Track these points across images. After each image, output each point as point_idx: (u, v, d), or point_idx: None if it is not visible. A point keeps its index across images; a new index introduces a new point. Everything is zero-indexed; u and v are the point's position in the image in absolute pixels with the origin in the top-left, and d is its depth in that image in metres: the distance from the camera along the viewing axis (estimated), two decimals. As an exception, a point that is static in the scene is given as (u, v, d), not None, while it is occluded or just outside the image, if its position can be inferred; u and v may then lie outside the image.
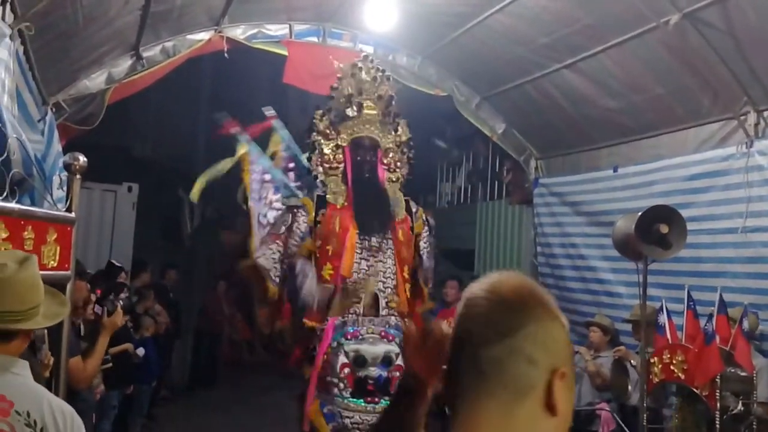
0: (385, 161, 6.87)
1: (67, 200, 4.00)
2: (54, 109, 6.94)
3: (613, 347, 7.01)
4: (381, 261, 6.52)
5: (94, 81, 7.45)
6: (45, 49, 5.88)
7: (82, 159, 4.05)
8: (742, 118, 6.56)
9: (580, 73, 7.65)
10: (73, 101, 7.32)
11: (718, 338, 5.33)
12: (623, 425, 6.26)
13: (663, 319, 5.94)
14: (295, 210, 6.66)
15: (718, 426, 5.28)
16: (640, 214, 5.69)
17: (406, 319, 6.49)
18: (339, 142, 6.82)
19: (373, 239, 6.51)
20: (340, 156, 6.79)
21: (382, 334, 6.31)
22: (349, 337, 6.27)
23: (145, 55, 7.66)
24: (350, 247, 6.46)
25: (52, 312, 2.85)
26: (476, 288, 1.43)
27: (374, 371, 6.16)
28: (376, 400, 6.15)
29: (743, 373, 5.38)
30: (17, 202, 3.51)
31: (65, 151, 5.50)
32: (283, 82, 8.69)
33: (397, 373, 6.21)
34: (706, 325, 5.44)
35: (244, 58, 8.79)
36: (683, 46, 6.40)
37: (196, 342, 13.56)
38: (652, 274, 5.96)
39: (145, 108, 12.45)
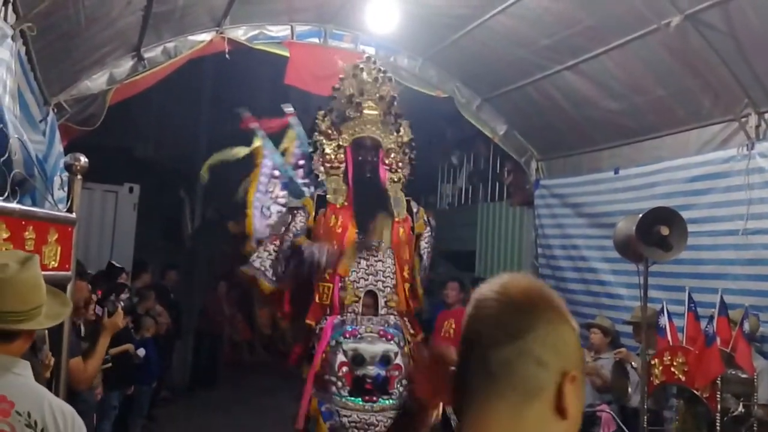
0: (386, 161, 6.90)
1: (68, 201, 4.00)
2: (55, 110, 6.95)
3: (614, 349, 7.01)
4: (380, 260, 6.54)
5: (96, 82, 7.46)
6: (47, 49, 5.88)
7: (84, 159, 4.05)
8: (743, 120, 6.56)
9: (581, 75, 7.65)
10: (75, 102, 7.32)
11: (718, 340, 5.33)
12: (624, 427, 6.26)
13: (664, 320, 5.93)
14: (295, 211, 6.70)
15: (718, 428, 5.27)
16: (641, 215, 5.68)
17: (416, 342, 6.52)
18: (341, 142, 6.86)
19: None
20: (342, 156, 6.83)
21: (381, 332, 6.33)
22: (347, 335, 6.29)
23: (146, 55, 7.67)
24: (349, 246, 6.49)
25: (54, 312, 2.85)
26: (486, 289, 1.42)
27: (372, 370, 6.17)
28: (374, 398, 6.17)
29: (744, 375, 5.38)
30: (18, 203, 3.52)
31: (66, 151, 5.50)
32: (284, 83, 8.69)
33: (396, 372, 6.24)
34: (706, 327, 5.44)
35: (245, 59, 8.79)
36: (684, 47, 6.40)
37: (197, 343, 13.56)
38: (653, 275, 5.96)
39: (147, 109, 12.45)
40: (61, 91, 7.12)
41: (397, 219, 6.69)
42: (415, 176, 7.22)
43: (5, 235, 3.29)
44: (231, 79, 12.69)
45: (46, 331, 3.89)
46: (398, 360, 6.29)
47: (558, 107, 8.36)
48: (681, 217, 5.73)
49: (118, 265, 9.23)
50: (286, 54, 8.46)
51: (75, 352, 4.88)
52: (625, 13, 6.49)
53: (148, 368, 8.68)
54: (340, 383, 6.20)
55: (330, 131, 6.92)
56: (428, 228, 7.14)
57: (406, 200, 6.95)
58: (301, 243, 6.55)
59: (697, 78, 6.64)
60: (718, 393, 5.27)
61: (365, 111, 6.86)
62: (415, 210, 7.01)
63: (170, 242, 14.61)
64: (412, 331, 6.65)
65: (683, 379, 5.56)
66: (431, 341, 8.77)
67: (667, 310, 5.97)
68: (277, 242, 6.69)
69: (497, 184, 11.25)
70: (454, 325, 8.79)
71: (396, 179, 6.93)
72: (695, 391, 5.45)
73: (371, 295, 6.48)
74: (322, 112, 7.01)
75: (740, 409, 5.33)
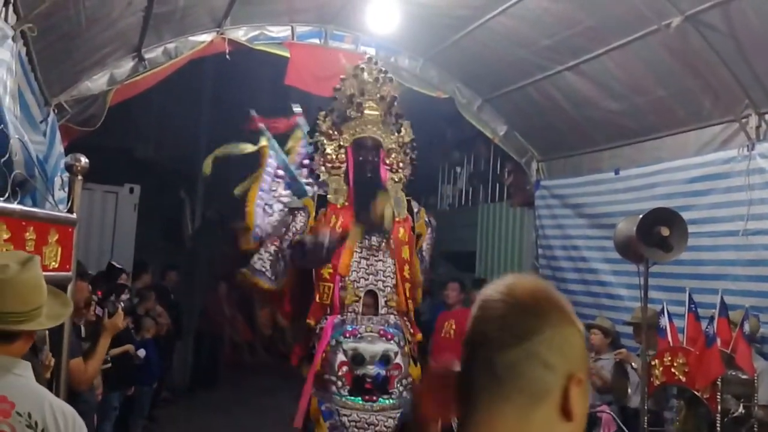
0: (387, 162, 6.90)
1: (68, 201, 4.00)
2: (56, 110, 6.95)
3: (614, 350, 7.01)
4: (381, 260, 6.56)
5: (96, 82, 7.46)
6: (47, 50, 5.89)
7: (84, 160, 4.06)
8: (744, 120, 6.56)
9: (581, 75, 7.65)
10: (75, 102, 7.32)
11: (719, 341, 5.33)
12: (624, 428, 6.26)
13: (664, 321, 5.93)
14: (296, 211, 6.72)
15: (719, 429, 5.28)
16: (641, 216, 5.68)
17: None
18: (342, 143, 6.88)
19: (373, 239, 6.55)
20: (343, 156, 6.86)
21: (381, 332, 6.35)
22: (347, 335, 6.30)
23: (147, 56, 7.67)
24: (349, 246, 6.50)
25: (55, 313, 2.85)
26: (492, 290, 1.41)
27: (372, 370, 6.19)
28: (374, 398, 6.19)
29: (744, 376, 5.38)
30: (19, 203, 3.52)
31: (67, 152, 5.50)
32: (284, 84, 8.70)
33: (396, 372, 6.25)
34: (707, 328, 5.44)
35: (246, 60, 8.80)
36: (685, 48, 6.40)
37: (197, 343, 13.56)
38: (653, 276, 5.96)
39: (147, 109, 12.45)
40: (62, 92, 7.12)
41: (397, 219, 6.70)
42: (415, 177, 7.23)
43: (6, 236, 3.29)
44: (231, 80, 12.69)
45: (47, 332, 3.89)
46: (398, 359, 6.30)
47: (558, 108, 8.36)
48: (681, 217, 5.74)
49: (118, 265, 9.23)
50: (287, 54, 8.46)
51: (75, 353, 4.88)
52: (626, 14, 6.49)
53: (148, 369, 8.68)
54: (340, 383, 6.21)
55: (331, 131, 6.94)
56: (429, 228, 7.16)
57: (407, 200, 6.96)
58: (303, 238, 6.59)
59: (698, 78, 6.64)
60: (719, 394, 5.27)
61: (366, 111, 6.87)
62: (416, 210, 7.03)
63: (171, 243, 14.61)
64: (412, 331, 6.66)
65: (683, 379, 5.56)
66: (431, 342, 8.80)
67: (668, 311, 5.97)
68: (278, 243, 6.71)
69: (498, 184, 11.25)
70: (454, 326, 8.79)
71: (397, 179, 6.95)
72: (695, 392, 5.46)
73: (371, 294, 6.50)
74: (323, 113, 7.04)
75: (740, 410, 5.33)
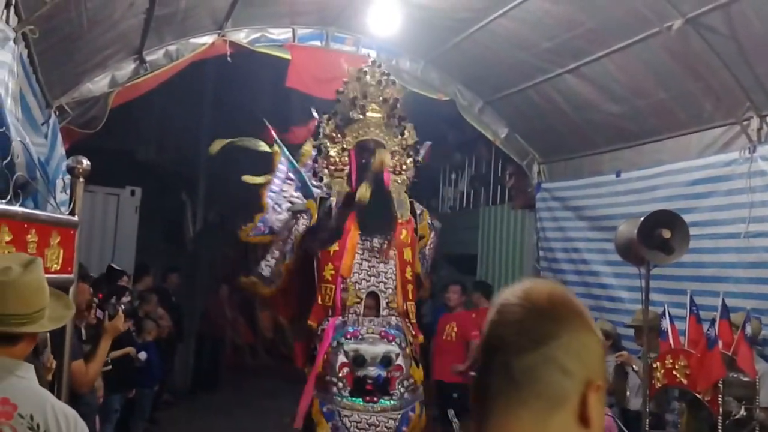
0: (390, 164, 6.91)
1: (70, 203, 4.00)
2: (57, 113, 6.96)
3: (615, 352, 7.00)
4: (383, 262, 6.57)
5: (98, 84, 7.47)
6: (49, 52, 5.89)
7: (86, 162, 4.06)
8: (745, 123, 6.56)
9: (582, 78, 7.65)
10: (77, 104, 7.33)
11: (720, 343, 5.32)
12: (625, 430, 6.25)
13: (665, 324, 5.93)
14: (299, 214, 6.76)
15: (720, 431, 5.27)
16: (642, 218, 5.68)
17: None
18: (345, 145, 6.89)
19: (375, 240, 6.57)
20: (346, 158, 6.87)
21: (382, 334, 6.36)
22: (349, 336, 6.32)
23: (148, 58, 7.68)
24: (351, 248, 6.52)
25: (58, 315, 2.85)
26: (509, 294, 1.40)
27: (373, 371, 6.20)
28: (375, 399, 6.21)
29: (746, 379, 5.37)
30: (21, 206, 3.51)
31: (69, 154, 5.51)
32: (285, 86, 8.70)
33: (397, 373, 6.27)
34: (708, 330, 5.43)
35: (247, 62, 8.81)
36: (686, 51, 6.40)
37: (199, 346, 13.54)
38: (655, 279, 5.96)
39: (149, 111, 12.45)
40: (63, 94, 7.13)
41: (400, 221, 6.71)
42: (418, 178, 7.24)
43: (8, 238, 3.29)
44: (233, 82, 12.69)
45: (48, 334, 3.89)
46: (399, 361, 6.31)
47: (559, 110, 8.37)
48: (683, 220, 5.73)
49: (118, 268, 9.22)
50: (288, 57, 8.47)
51: (77, 355, 4.88)
52: (627, 16, 6.50)
53: (149, 371, 8.67)
54: (341, 384, 6.22)
55: (334, 134, 6.95)
56: (432, 231, 7.18)
57: (410, 202, 6.97)
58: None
59: (699, 81, 6.64)
60: (720, 396, 5.26)
61: (369, 114, 6.88)
62: (418, 212, 7.04)
63: (172, 245, 14.60)
64: (413, 333, 6.66)
65: (685, 382, 5.55)
66: (433, 345, 8.80)
67: (669, 314, 5.96)
68: (282, 246, 6.76)
69: (499, 187, 11.24)
70: (456, 329, 8.80)
71: (400, 181, 6.95)
72: (697, 395, 5.45)
73: (373, 296, 6.51)
74: (326, 116, 7.05)
75: (742, 412, 5.32)
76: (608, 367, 6.91)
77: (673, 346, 5.79)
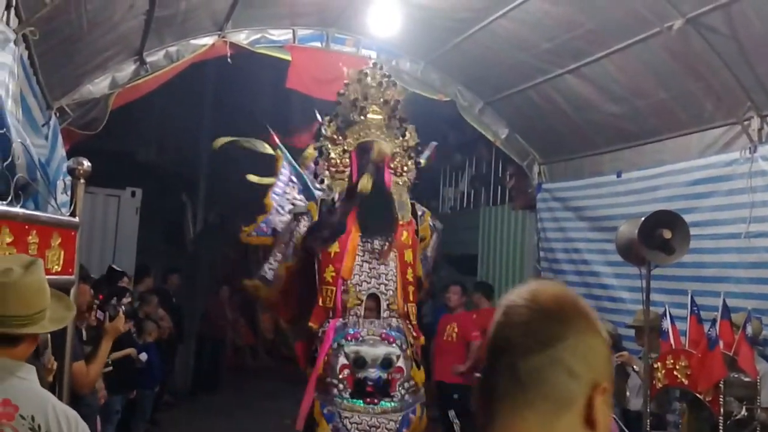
0: (391, 165, 6.90)
1: (71, 205, 4.00)
2: (58, 114, 6.96)
3: (616, 352, 6.99)
4: (383, 264, 6.56)
5: (98, 86, 7.47)
6: (49, 53, 5.90)
7: (86, 164, 4.05)
8: (746, 123, 6.56)
9: (583, 78, 7.65)
10: (77, 106, 7.33)
11: (721, 343, 5.31)
12: (626, 430, 6.25)
13: (666, 324, 5.92)
14: (300, 216, 6.77)
15: (721, 431, 5.27)
16: (643, 219, 5.68)
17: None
18: (345, 147, 6.88)
19: (376, 242, 6.57)
20: (347, 160, 6.86)
21: (383, 335, 6.36)
22: (349, 338, 6.32)
23: (148, 59, 7.69)
24: (351, 250, 6.52)
25: (59, 316, 2.85)
26: (515, 296, 1.39)
27: (373, 373, 6.21)
28: (376, 401, 6.21)
29: (747, 379, 5.37)
30: (21, 207, 3.51)
31: (69, 155, 5.51)
32: (286, 87, 8.70)
33: (398, 375, 6.26)
34: (709, 331, 5.43)
35: (247, 63, 8.81)
36: (686, 51, 6.40)
37: (199, 347, 13.53)
38: (655, 279, 5.96)
39: (149, 113, 12.43)
40: (64, 96, 7.14)
41: (401, 222, 6.70)
42: (419, 180, 7.24)
43: (9, 240, 3.29)
44: (233, 83, 12.69)
45: (49, 335, 3.89)
46: (400, 363, 6.31)
47: (560, 111, 8.37)
48: (683, 220, 5.73)
49: (118, 269, 9.22)
50: (288, 58, 8.47)
51: (78, 356, 4.88)
52: (627, 17, 6.50)
53: (150, 372, 8.67)
54: (341, 386, 6.22)
55: (335, 136, 6.95)
56: (434, 233, 7.17)
57: (411, 204, 6.97)
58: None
59: (699, 81, 6.64)
60: (721, 396, 5.26)
61: (369, 115, 6.88)
62: (420, 213, 7.04)
63: (172, 246, 14.60)
64: (414, 334, 6.66)
65: (686, 382, 5.55)
66: (433, 345, 8.79)
67: (670, 314, 5.96)
68: (283, 249, 6.78)
69: (499, 187, 11.24)
70: (456, 329, 8.79)
71: (401, 183, 6.95)
72: (698, 395, 5.44)
73: (374, 298, 6.51)
74: (327, 118, 7.05)
75: (743, 412, 5.31)
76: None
77: (674, 347, 5.79)
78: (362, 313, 6.45)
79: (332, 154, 6.91)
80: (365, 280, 6.50)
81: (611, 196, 8.19)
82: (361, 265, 6.52)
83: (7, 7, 4.65)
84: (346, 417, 6.17)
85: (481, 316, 9.13)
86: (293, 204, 7.08)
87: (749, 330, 5.56)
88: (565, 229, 9.06)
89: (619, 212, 7.76)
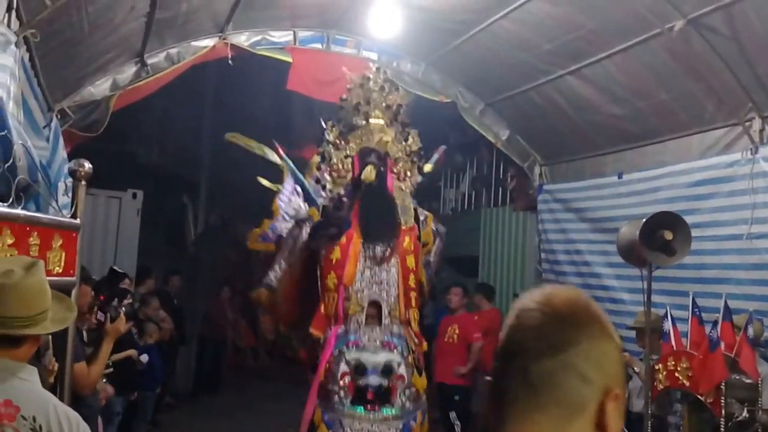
0: (394, 170, 6.89)
1: (72, 207, 4.00)
2: (59, 116, 6.96)
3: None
4: (385, 270, 6.54)
5: (99, 88, 7.48)
6: (50, 55, 5.90)
7: (87, 165, 4.06)
8: (747, 124, 6.56)
9: (584, 80, 7.65)
10: (78, 108, 7.34)
11: (722, 345, 5.31)
12: (628, 432, 6.24)
13: (667, 325, 5.92)
14: (302, 223, 6.77)
15: (723, 433, 5.26)
16: (644, 220, 5.68)
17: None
18: (348, 152, 6.87)
19: (378, 248, 6.54)
20: (349, 165, 6.85)
21: (384, 342, 6.35)
22: (350, 345, 6.31)
23: (149, 61, 7.69)
24: (353, 256, 6.50)
25: (60, 317, 2.86)
26: (528, 300, 1.39)
27: (374, 380, 6.19)
28: (376, 408, 6.18)
29: (748, 380, 5.36)
30: (23, 209, 3.52)
31: (70, 157, 5.51)
32: (286, 89, 8.71)
33: (398, 382, 6.24)
34: (710, 332, 5.42)
35: (248, 65, 8.82)
36: (688, 52, 6.40)
37: (200, 348, 13.54)
38: (657, 280, 5.95)
39: (150, 115, 12.45)
40: (65, 98, 7.14)
41: (403, 227, 6.69)
42: (423, 183, 7.25)
43: (10, 241, 3.29)
44: (234, 85, 12.70)
45: (50, 337, 3.89)
46: (401, 370, 6.30)
47: (561, 112, 8.36)
48: (684, 221, 5.73)
49: (120, 270, 9.22)
50: (289, 59, 8.48)
51: (79, 357, 4.88)
52: (628, 18, 6.49)
53: (151, 374, 8.67)
54: (342, 392, 6.21)
55: (338, 141, 6.95)
56: (437, 238, 7.16)
57: (414, 208, 6.95)
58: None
59: (701, 82, 6.64)
60: (722, 398, 5.25)
61: (372, 120, 6.87)
62: (422, 218, 7.02)
63: (173, 248, 14.61)
64: (416, 341, 6.64)
65: (687, 384, 5.54)
66: (434, 347, 8.79)
67: (671, 315, 5.96)
68: (287, 255, 6.79)
69: (500, 189, 11.25)
70: (457, 331, 8.79)
71: (404, 188, 6.93)
72: (699, 397, 5.44)
73: (375, 305, 6.49)
74: (330, 122, 7.05)
75: (744, 414, 5.31)
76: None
77: (675, 348, 5.79)
78: (363, 320, 6.43)
79: (335, 159, 6.91)
80: (366, 287, 6.49)
81: (612, 198, 8.19)
82: (363, 272, 6.50)
83: (8, 9, 4.65)
84: (346, 424, 6.16)
85: (482, 318, 9.14)
86: (296, 211, 7.08)
87: (750, 331, 5.55)
88: (566, 231, 9.06)
89: (620, 213, 7.75)
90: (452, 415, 8.63)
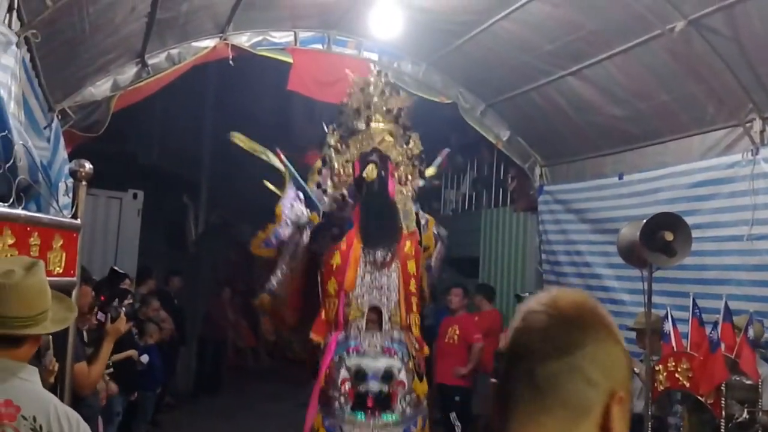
0: (395, 175, 6.88)
1: (72, 207, 4.00)
2: (60, 116, 6.96)
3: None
4: (386, 275, 6.52)
5: (100, 88, 7.48)
6: (51, 56, 5.90)
7: (88, 166, 4.06)
8: (748, 125, 6.56)
9: (584, 81, 7.65)
10: (79, 108, 7.34)
11: (723, 346, 5.31)
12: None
13: (668, 326, 5.92)
14: (304, 229, 6.78)
15: (723, 434, 5.26)
16: (644, 221, 5.67)
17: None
18: (349, 157, 6.87)
19: (378, 253, 6.52)
20: (350, 170, 6.84)
21: (384, 348, 6.35)
22: (350, 351, 6.31)
23: (150, 62, 7.69)
24: (354, 261, 6.49)
25: (60, 317, 2.86)
26: (534, 302, 1.39)
27: (374, 386, 6.18)
28: (376, 414, 6.18)
29: (748, 381, 5.36)
30: (23, 209, 3.52)
31: (71, 157, 5.52)
32: (287, 90, 8.71)
33: (398, 388, 6.24)
34: (711, 333, 5.42)
35: (249, 66, 8.82)
36: (688, 53, 6.40)
37: (201, 348, 13.55)
38: (657, 281, 5.95)
39: (151, 115, 12.46)
40: (66, 98, 7.14)
41: (405, 232, 6.67)
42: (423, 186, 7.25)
43: (10, 241, 3.30)
44: (234, 86, 12.71)
45: (50, 337, 3.89)
46: (401, 376, 6.29)
47: (562, 113, 8.36)
48: (685, 222, 5.72)
49: (120, 270, 9.23)
50: (290, 60, 8.48)
51: (79, 357, 4.88)
52: (629, 19, 6.49)
53: (151, 374, 8.67)
54: (342, 399, 6.21)
55: (339, 145, 6.94)
56: (438, 242, 7.14)
57: (415, 212, 6.93)
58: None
59: (701, 83, 6.64)
60: (723, 399, 5.25)
61: (372, 124, 6.87)
62: (423, 222, 7.00)
63: (174, 248, 14.61)
64: (417, 346, 6.63)
65: (687, 385, 5.54)
66: (435, 348, 8.79)
67: (672, 316, 5.95)
68: (288, 261, 6.79)
69: (501, 189, 11.24)
70: (458, 331, 8.79)
71: (405, 192, 6.92)
72: (699, 398, 5.44)
73: (375, 310, 6.48)
74: (331, 127, 7.05)
75: (744, 415, 5.30)
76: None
77: (675, 349, 5.78)
78: (364, 326, 6.43)
79: (336, 164, 6.90)
80: (367, 292, 6.48)
81: (613, 198, 8.19)
82: (363, 277, 6.50)
83: (9, 10, 4.65)
84: (347, 430, 6.16)
85: (482, 319, 9.14)
86: (298, 217, 7.08)
87: (751, 333, 5.54)
88: (566, 231, 9.05)
89: (620, 214, 7.75)
90: (452, 415, 8.63)
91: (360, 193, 6.56)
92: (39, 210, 4.10)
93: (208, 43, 7.98)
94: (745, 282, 6.42)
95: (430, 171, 7.37)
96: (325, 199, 6.99)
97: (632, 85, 7.28)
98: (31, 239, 3.46)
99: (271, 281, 6.93)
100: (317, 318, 6.56)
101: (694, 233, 5.77)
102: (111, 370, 6.24)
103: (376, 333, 6.41)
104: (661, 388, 5.82)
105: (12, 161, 3.59)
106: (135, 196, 11.48)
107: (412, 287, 6.65)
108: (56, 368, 4.12)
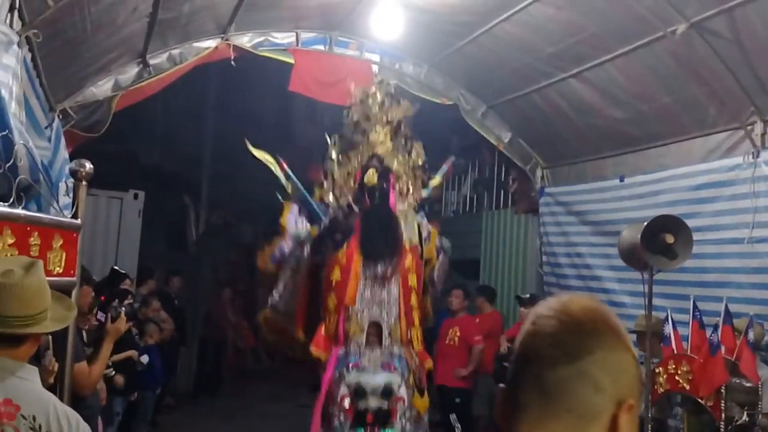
0: (396, 187, 6.85)
1: (73, 207, 4.00)
2: (61, 116, 6.97)
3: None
4: (386, 290, 6.49)
5: (101, 88, 7.48)
6: (52, 56, 5.90)
7: (89, 166, 4.05)
8: (749, 128, 6.56)
9: (586, 83, 7.65)
10: (80, 108, 7.34)
11: (723, 349, 5.31)
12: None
13: (668, 329, 5.91)
14: (304, 243, 6.76)
15: (723, 437, 5.26)
16: (645, 223, 5.67)
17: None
18: (350, 170, 6.85)
19: (379, 267, 6.48)
20: (351, 183, 6.82)
21: (384, 364, 6.32)
22: (350, 367, 6.29)
23: (152, 62, 7.69)
24: (354, 276, 6.46)
25: (60, 316, 2.87)
26: (545, 307, 1.38)
27: (374, 402, 6.16)
28: (376, 430, 6.17)
29: (748, 384, 5.35)
30: (24, 209, 3.52)
31: (72, 157, 5.52)
32: (288, 90, 8.71)
33: (398, 404, 6.22)
34: (711, 336, 5.42)
35: (250, 66, 8.82)
36: (690, 55, 6.40)
37: (201, 349, 13.55)
38: (658, 284, 5.95)
39: (152, 115, 12.48)
40: (67, 98, 7.14)
41: (406, 246, 6.64)
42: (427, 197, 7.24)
43: (10, 241, 3.30)
44: (236, 86, 12.72)
45: (50, 337, 3.89)
46: (401, 392, 6.27)
47: (563, 115, 8.36)
48: (686, 225, 5.72)
49: (121, 271, 9.22)
50: (291, 61, 8.48)
51: (79, 357, 4.88)
52: (631, 21, 6.49)
53: (152, 374, 8.67)
54: (342, 416, 6.20)
55: (340, 157, 6.93)
56: (440, 254, 7.11)
57: (418, 224, 6.90)
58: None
59: (703, 86, 6.64)
60: (723, 402, 5.25)
61: (371, 136, 6.85)
62: (425, 234, 6.95)
63: (175, 248, 14.62)
64: (417, 361, 6.60)
65: (687, 387, 5.54)
66: (435, 349, 8.78)
67: (672, 319, 5.95)
68: (289, 274, 6.79)
69: (502, 191, 11.24)
70: (458, 333, 8.78)
71: (406, 205, 6.89)
72: (699, 400, 5.43)
73: (376, 325, 6.45)
74: (332, 140, 7.03)
75: (744, 418, 5.30)
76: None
77: (675, 352, 5.78)
78: (364, 342, 6.40)
79: (336, 176, 6.89)
80: (367, 307, 6.45)
81: (614, 201, 8.18)
82: (364, 292, 6.47)
83: (11, 10, 4.66)
84: None
85: (483, 320, 9.14)
86: (300, 231, 7.07)
87: (751, 335, 5.54)
88: (567, 234, 9.05)
89: (621, 217, 7.75)
90: (453, 417, 8.62)
91: (362, 201, 6.54)
92: (39, 210, 4.10)
93: (210, 43, 7.98)
94: (746, 285, 6.42)
95: (435, 181, 7.32)
96: (330, 212, 6.96)
97: (633, 88, 7.28)
98: (31, 239, 3.46)
99: (273, 296, 6.92)
100: (317, 332, 6.55)
101: (695, 236, 5.76)
102: (111, 370, 6.24)
103: (376, 348, 6.37)
104: (661, 390, 5.82)
105: (12, 161, 3.59)
106: (136, 196, 11.48)
107: (413, 301, 6.61)
108: (56, 368, 4.12)
